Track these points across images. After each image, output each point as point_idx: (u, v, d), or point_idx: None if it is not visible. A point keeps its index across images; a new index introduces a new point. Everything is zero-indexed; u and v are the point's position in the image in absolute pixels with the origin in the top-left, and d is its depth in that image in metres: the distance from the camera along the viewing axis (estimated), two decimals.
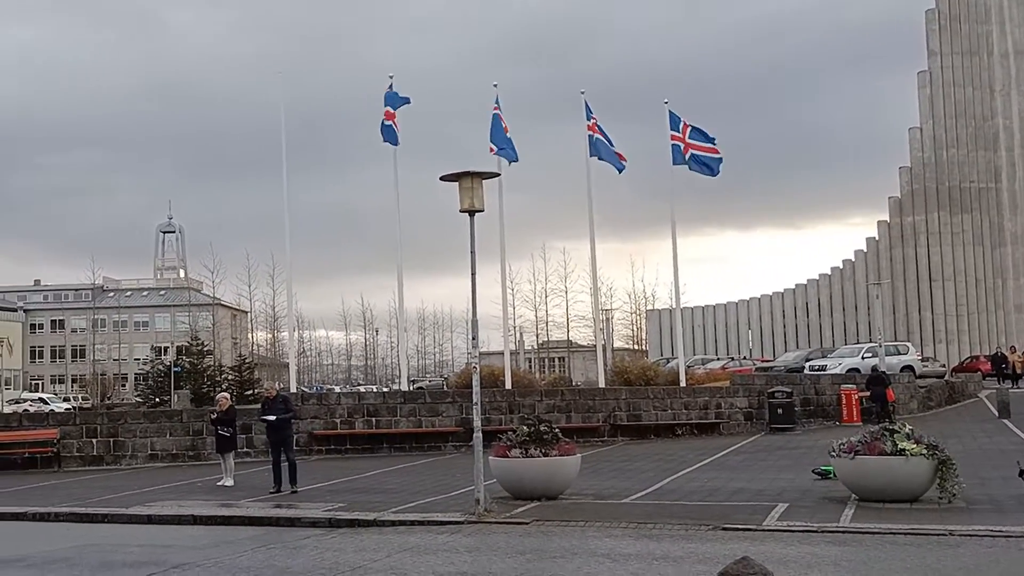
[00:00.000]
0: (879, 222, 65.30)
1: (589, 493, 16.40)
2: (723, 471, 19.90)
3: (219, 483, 19.77)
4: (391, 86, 29.22)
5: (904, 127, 65.04)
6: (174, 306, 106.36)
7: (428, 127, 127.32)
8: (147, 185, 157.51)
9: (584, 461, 16.82)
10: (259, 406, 19.60)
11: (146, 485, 20.63)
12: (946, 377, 45.20)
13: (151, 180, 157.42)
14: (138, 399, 65.68)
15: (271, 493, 17.89)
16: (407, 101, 29.27)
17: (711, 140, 30.50)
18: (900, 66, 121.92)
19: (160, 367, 64.94)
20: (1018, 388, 39.36)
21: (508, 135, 28.85)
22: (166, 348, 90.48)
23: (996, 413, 30.56)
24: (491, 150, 28.71)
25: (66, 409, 57.25)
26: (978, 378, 42.66)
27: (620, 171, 31.03)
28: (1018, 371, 42.15)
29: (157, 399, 57.87)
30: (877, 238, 64.93)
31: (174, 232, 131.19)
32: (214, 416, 20.49)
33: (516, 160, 29.33)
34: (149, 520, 15.92)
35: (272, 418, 18.50)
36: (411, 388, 36.87)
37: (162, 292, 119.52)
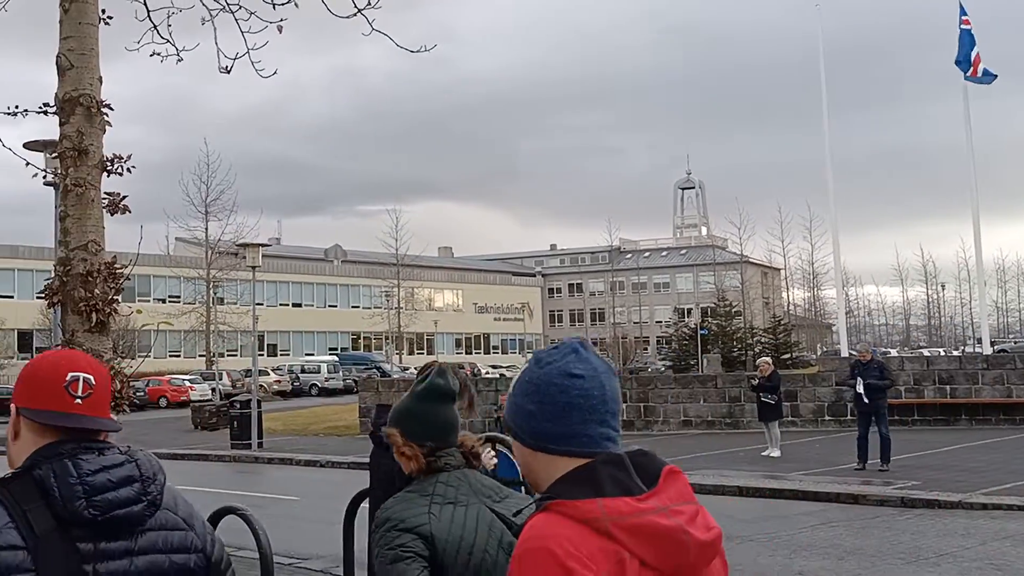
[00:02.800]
0: None
1: None
2: None
3: (763, 453, 20.49)
4: (960, 4, 28.28)
5: None
6: (697, 265, 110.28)
7: (1006, 46, 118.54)
8: (663, 140, 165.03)
9: None
10: (848, 369, 19.80)
11: (682, 453, 21.87)
12: None
13: (667, 135, 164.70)
14: (663, 363, 69.31)
15: (855, 469, 17.99)
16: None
17: None
18: None
19: (685, 330, 67.92)
20: None
21: None
22: (690, 310, 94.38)
23: None
24: None
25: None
26: None
27: None
28: None
29: (683, 363, 60.67)
30: None
31: (693, 188, 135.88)
32: (756, 382, 21.10)
33: None
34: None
35: (886, 383, 18.36)
36: (993, 351, 34.94)
37: (683, 251, 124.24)
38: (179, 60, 8.11)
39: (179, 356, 73.53)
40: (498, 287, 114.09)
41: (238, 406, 28.60)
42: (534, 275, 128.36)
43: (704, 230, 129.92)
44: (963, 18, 28.12)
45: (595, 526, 1.82)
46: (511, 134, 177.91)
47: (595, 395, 2.01)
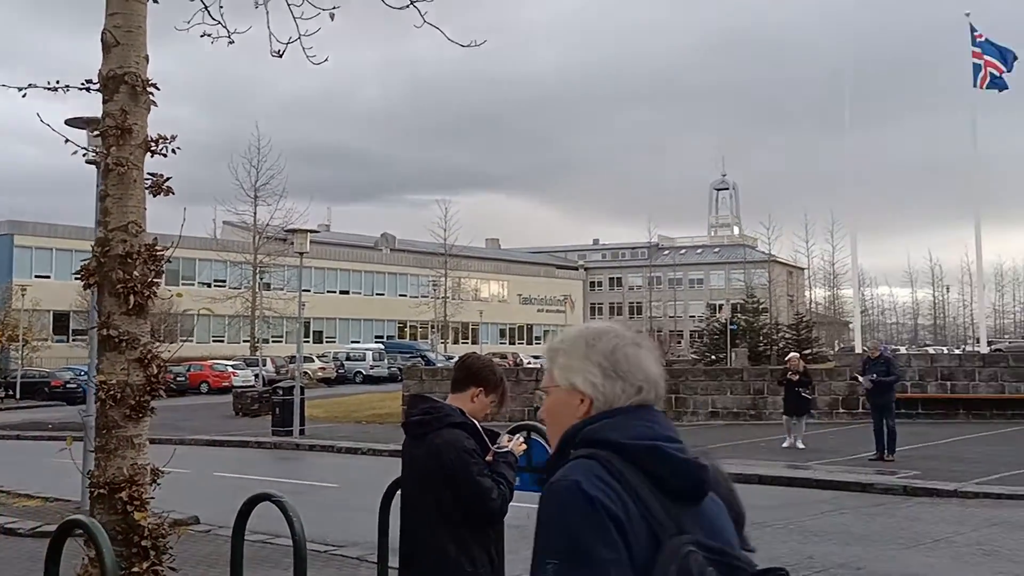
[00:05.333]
0: None
1: None
2: None
3: (784, 444, 20.20)
4: (970, 23, 28.19)
5: None
6: (728, 263, 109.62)
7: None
8: (702, 142, 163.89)
9: None
10: (860, 365, 19.66)
11: (708, 442, 21.57)
12: None
13: (707, 136, 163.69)
14: (694, 356, 68.92)
15: (870, 459, 17.77)
16: (996, 51, 28.03)
17: None
18: None
19: (716, 324, 67.39)
20: None
21: None
22: (721, 305, 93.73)
23: None
24: None
25: None
26: None
27: None
28: None
29: (713, 356, 60.23)
30: None
31: (728, 189, 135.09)
32: (796, 377, 20.51)
33: None
34: None
35: (891, 378, 18.29)
36: (990, 350, 34.89)
37: (716, 249, 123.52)
38: (230, 42, 7.67)
39: (223, 341, 70.67)
40: (542, 279, 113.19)
41: (281, 392, 27.05)
42: (577, 268, 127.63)
43: (736, 230, 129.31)
44: (973, 48, 27.99)
45: None
46: (561, 130, 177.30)
47: None
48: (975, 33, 28.14)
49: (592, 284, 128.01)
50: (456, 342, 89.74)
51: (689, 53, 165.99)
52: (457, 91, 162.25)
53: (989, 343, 39.94)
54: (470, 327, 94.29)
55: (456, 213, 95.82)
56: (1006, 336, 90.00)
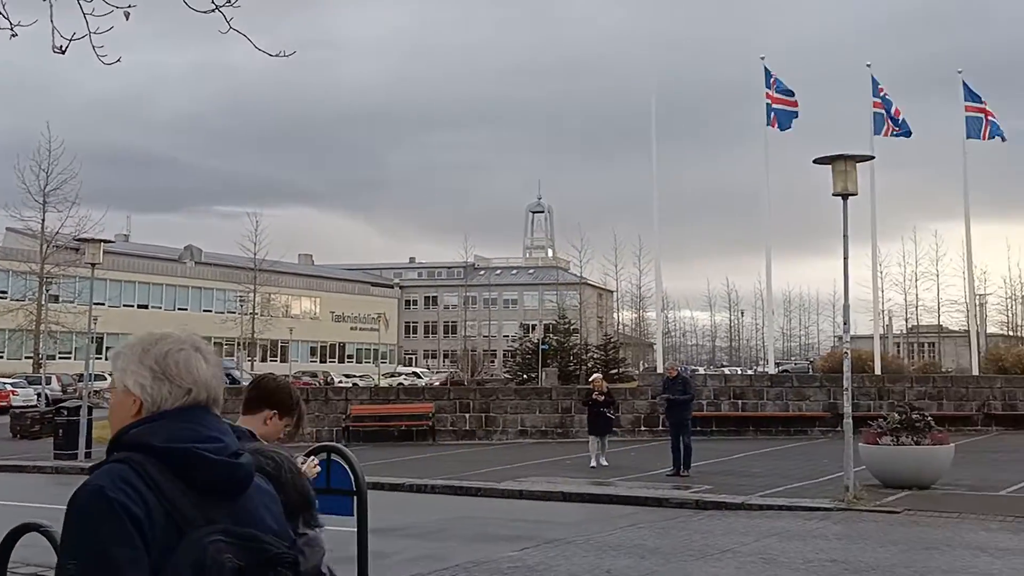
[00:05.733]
0: None
1: (963, 484, 16.27)
2: None
3: (591, 464, 20.44)
4: (765, 67, 30.28)
5: None
6: (542, 285, 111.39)
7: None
8: (519, 164, 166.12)
9: (957, 451, 16.67)
10: (661, 385, 20.55)
11: (516, 461, 22.05)
12: None
13: (523, 159, 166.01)
14: (507, 375, 69.73)
15: (667, 476, 18.51)
16: (789, 92, 30.21)
17: None
18: None
19: (528, 344, 68.43)
20: None
21: (900, 117, 30.39)
22: (534, 326, 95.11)
23: None
24: (886, 133, 30.34)
25: (429, 383, 61.51)
26: None
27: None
28: None
29: (525, 376, 61.18)
30: None
31: (543, 212, 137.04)
32: (602, 398, 20.93)
33: (910, 135, 30.78)
34: (520, 495, 17.12)
35: (687, 397, 19.19)
36: (777, 371, 37.13)
37: (531, 271, 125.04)
38: (13, 35, 6.94)
39: (2, 357, 65.54)
40: (356, 296, 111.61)
41: (65, 413, 24.93)
42: (392, 286, 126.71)
43: (550, 252, 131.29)
44: (767, 90, 30.13)
45: None
46: (379, 145, 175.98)
47: None
48: (770, 75, 30.07)
49: (408, 302, 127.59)
50: (264, 360, 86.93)
51: (508, 76, 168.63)
52: (272, 102, 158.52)
53: (777, 364, 42.71)
54: (279, 345, 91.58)
55: (268, 226, 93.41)
56: (792, 358, 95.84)
